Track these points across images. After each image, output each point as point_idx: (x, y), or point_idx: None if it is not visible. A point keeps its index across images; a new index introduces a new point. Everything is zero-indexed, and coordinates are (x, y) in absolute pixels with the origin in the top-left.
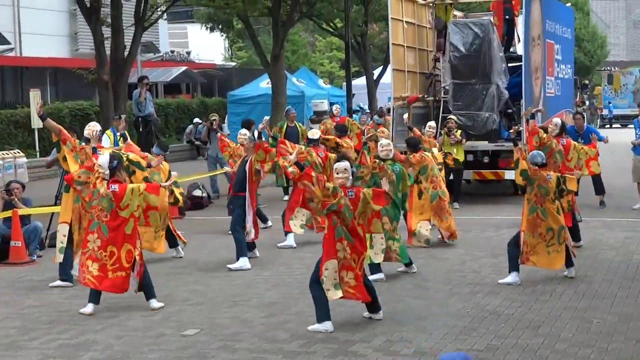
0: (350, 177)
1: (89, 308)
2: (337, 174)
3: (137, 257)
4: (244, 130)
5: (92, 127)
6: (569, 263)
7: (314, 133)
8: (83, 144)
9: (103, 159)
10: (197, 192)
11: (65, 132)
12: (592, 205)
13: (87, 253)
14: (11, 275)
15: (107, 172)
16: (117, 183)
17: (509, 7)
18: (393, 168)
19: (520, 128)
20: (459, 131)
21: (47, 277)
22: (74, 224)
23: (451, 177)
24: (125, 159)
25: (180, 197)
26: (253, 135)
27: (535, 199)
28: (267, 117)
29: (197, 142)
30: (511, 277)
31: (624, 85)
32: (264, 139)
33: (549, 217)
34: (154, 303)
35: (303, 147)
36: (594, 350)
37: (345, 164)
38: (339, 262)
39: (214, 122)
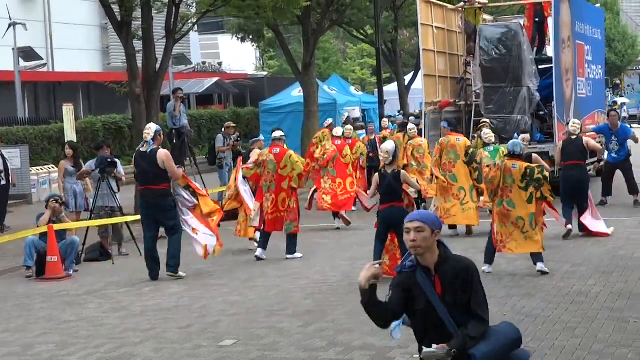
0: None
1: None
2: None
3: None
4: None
5: (147, 131)
6: (538, 257)
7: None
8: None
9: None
10: None
11: None
12: (627, 205)
13: None
14: (48, 290)
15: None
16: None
17: (539, 9)
18: (487, 149)
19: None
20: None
21: (83, 292)
22: None
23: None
24: None
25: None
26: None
27: (501, 192)
28: None
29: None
30: (485, 268)
31: (628, 85)
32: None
33: (516, 206)
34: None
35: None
36: (632, 350)
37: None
38: None
39: (229, 129)
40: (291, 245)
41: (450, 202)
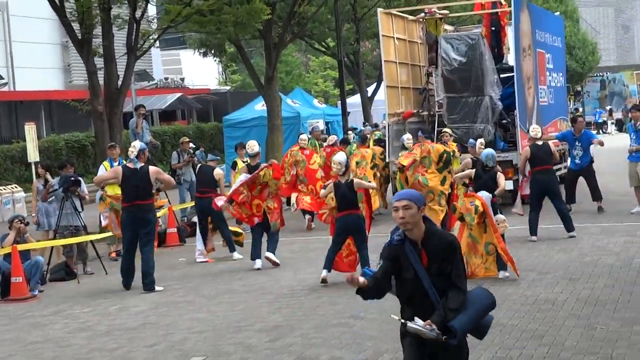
0: None
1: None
2: None
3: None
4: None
5: (131, 149)
6: (501, 266)
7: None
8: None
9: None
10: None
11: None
12: (591, 212)
13: None
14: (13, 311)
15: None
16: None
17: (495, 18)
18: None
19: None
20: (454, 144)
21: (49, 312)
22: None
23: None
24: None
25: None
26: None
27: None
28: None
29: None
30: None
31: (584, 93)
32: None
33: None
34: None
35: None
36: (599, 357)
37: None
38: None
39: (184, 144)
40: (272, 242)
41: None
